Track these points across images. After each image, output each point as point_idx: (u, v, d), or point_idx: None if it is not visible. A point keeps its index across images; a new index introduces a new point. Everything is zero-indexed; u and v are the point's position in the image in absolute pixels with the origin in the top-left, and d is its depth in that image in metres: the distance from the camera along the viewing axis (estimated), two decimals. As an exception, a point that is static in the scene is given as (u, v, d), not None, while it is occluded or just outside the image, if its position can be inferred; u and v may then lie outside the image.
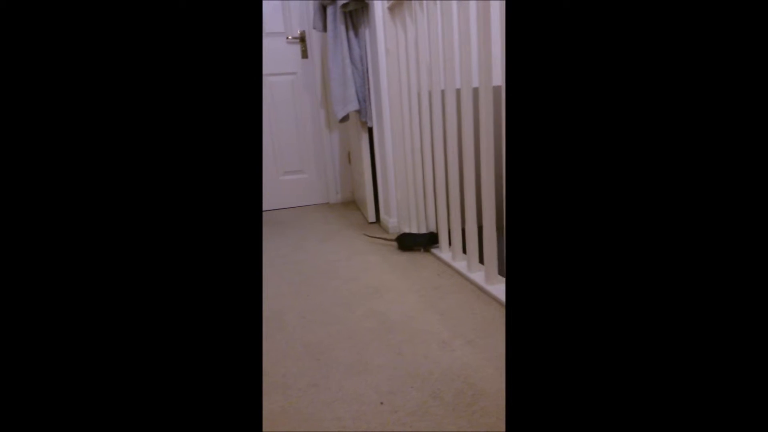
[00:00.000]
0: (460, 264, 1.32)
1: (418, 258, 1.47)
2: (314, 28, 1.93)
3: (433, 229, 1.54)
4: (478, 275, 1.22)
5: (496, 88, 1.73)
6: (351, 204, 2.59)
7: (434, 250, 1.49)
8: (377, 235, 1.77)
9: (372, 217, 2.04)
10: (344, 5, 1.68)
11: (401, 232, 1.68)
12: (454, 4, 1.29)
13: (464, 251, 1.39)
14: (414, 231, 1.66)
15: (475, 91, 1.72)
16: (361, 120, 1.89)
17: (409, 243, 1.55)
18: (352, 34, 1.77)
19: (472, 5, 1.68)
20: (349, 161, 2.59)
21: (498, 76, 1.75)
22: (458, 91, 1.70)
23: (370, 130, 1.96)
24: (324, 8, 1.85)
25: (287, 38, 2.40)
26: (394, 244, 1.64)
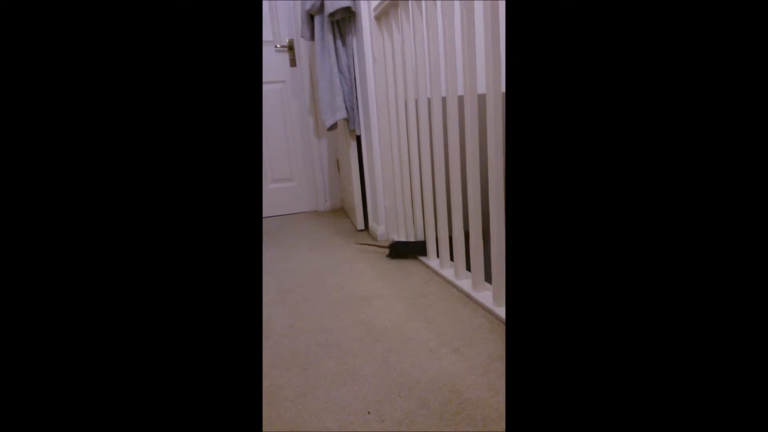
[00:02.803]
0: (448, 271, 1.33)
1: (406, 266, 1.48)
2: (302, 36, 1.94)
3: (422, 236, 1.55)
4: (465, 282, 1.22)
5: (481, 96, 1.75)
6: (340, 211, 2.59)
7: (422, 258, 1.50)
8: (370, 243, 1.78)
9: (361, 225, 2.04)
10: (331, 14, 1.69)
11: (392, 240, 1.68)
12: (440, 14, 1.30)
13: (452, 259, 1.39)
14: (402, 238, 1.67)
15: (461, 99, 1.74)
16: (349, 128, 1.90)
17: (401, 251, 1.56)
18: (339, 43, 1.78)
19: (457, 15, 1.70)
20: (338, 169, 2.60)
21: (483, 84, 1.77)
22: (444, 100, 1.71)
23: (359, 138, 1.97)
24: (312, 17, 1.86)
25: (276, 47, 2.40)
26: (386, 251, 1.64)
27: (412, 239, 1.60)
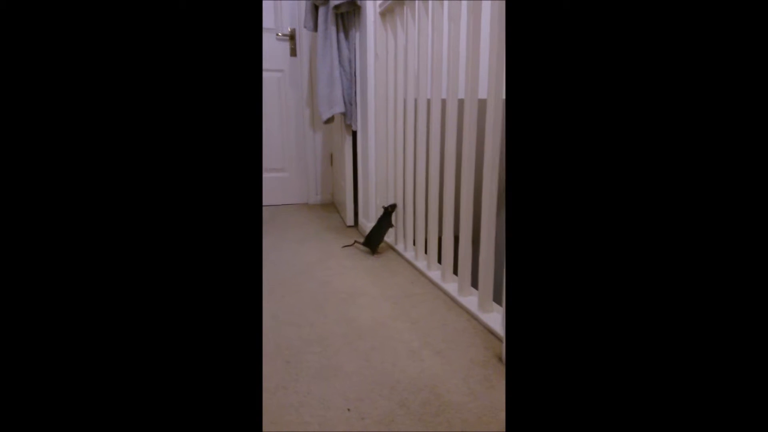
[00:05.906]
0: (434, 273, 1.33)
1: (392, 264, 1.48)
2: (305, 27, 1.93)
3: (401, 226, 1.55)
4: (451, 286, 1.23)
5: (482, 101, 1.75)
6: (330, 206, 2.58)
7: (409, 258, 1.49)
8: (355, 241, 1.77)
9: (350, 221, 2.03)
10: (336, 7, 1.67)
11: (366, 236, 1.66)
12: (445, 15, 1.30)
13: (439, 261, 1.40)
14: (390, 238, 1.67)
15: (461, 102, 1.74)
16: (345, 123, 1.89)
17: (375, 237, 1.58)
18: (342, 36, 1.77)
19: (463, 18, 1.70)
20: (331, 163, 2.58)
21: (484, 89, 1.78)
22: (444, 102, 1.71)
23: (354, 134, 1.96)
24: (316, 8, 1.85)
25: (277, 35, 2.38)
26: (368, 250, 1.64)
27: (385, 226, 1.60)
